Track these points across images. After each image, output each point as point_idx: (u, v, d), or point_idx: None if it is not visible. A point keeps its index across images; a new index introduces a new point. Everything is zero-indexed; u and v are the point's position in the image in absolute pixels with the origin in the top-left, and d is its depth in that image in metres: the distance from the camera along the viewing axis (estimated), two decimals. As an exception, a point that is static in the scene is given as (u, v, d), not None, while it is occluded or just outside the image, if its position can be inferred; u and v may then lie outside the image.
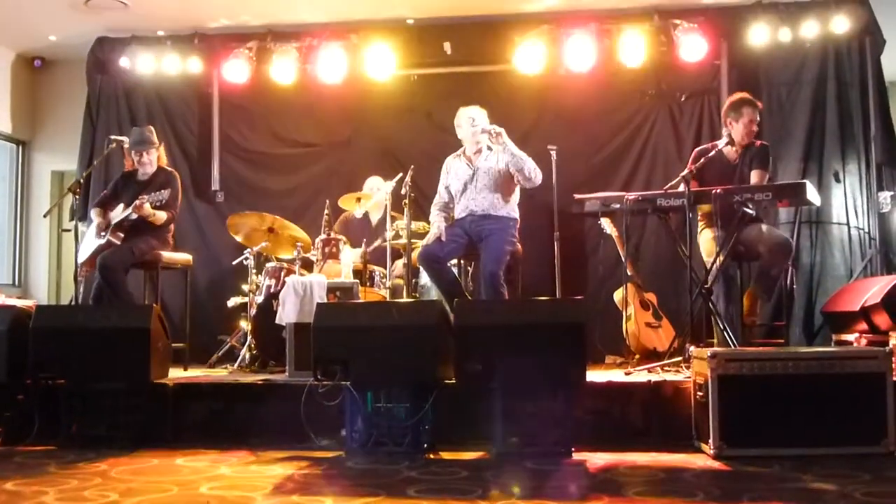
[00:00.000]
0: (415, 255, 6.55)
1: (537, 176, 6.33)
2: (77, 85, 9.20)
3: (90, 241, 6.87)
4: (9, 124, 9.54)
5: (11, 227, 9.76)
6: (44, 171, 9.88)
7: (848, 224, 7.81)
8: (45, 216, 8.29)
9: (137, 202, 6.52)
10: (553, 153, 6.70)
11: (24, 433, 5.16)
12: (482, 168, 6.43)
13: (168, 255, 6.97)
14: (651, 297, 7.09)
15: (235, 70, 8.52)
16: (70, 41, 9.05)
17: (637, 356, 6.60)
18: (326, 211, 6.95)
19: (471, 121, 6.47)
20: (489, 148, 6.46)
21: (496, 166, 6.40)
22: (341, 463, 4.65)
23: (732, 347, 5.52)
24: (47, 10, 8.35)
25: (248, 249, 7.17)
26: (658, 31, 7.95)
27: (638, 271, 7.22)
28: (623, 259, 6.85)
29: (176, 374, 6.16)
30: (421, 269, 6.56)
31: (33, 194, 9.86)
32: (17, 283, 9.65)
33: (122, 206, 6.79)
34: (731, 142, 6.21)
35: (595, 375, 5.54)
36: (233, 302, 7.42)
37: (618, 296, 7.00)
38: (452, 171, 6.63)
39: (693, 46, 7.84)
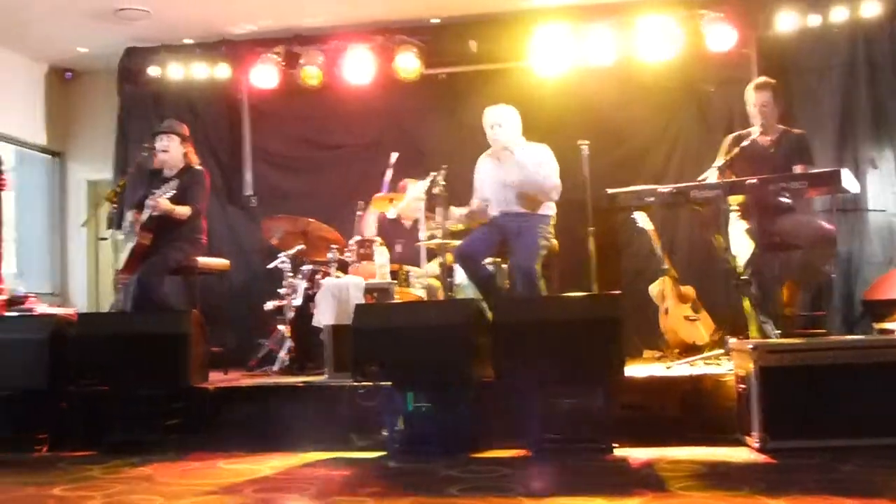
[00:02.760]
0: (449, 254, 6.53)
1: (553, 194, 6.30)
2: (108, 95, 9.29)
3: (127, 245, 6.89)
4: (44, 136, 9.63)
5: (50, 236, 9.85)
6: (79, 181, 9.96)
7: (886, 211, 7.69)
8: (82, 226, 8.36)
9: (150, 201, 6.50)
10: (584, 148, 6.66)
11: (68, 439, 5.22)
12: (516, 167, 6.36)
13: (204, 260, 6.99)
14: (689, 290, 7.00)
15: (263, 75, 8.56)
16: (100, 52, 9.11)
17: (676, 350, 6.55)
18: (359, 212, 6.94)
19: (490, 129, 6.44)
20: (521, 147, 6.42)
21: (528, 165, 6.34)
22: (382, 463, 4.66)
23: (773, 339, 5.45)
24: (76, 22, 8.40)
25: (283, 253, 7.19)
26: (684, 21, 7.86)
27: (674, 264, 7.16)
28: (658, 252, 6.80)
29: (216, 377, 6.19)
30: (456, 267, 6.54)
31: (70, 204, 9.95)
32: (56, 291, 9.74)
33: (148, 207, 6.80)
34: (763, 130, 6.13)
35: (634, 370, 5.51)
36: (270, 305, 7.43)
37: (654, 289, 6.94)
38: (484, 171, 6.61)
39: (720, 36, 7.74)
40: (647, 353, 7.03)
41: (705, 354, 5.85)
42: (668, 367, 5.71)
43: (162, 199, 6.48)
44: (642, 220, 6.85)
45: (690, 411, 5.08)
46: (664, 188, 5.97)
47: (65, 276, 9.86)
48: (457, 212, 6.61)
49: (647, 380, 5.29)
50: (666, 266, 6.84)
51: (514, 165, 6.34)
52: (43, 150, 9.78)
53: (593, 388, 4.75)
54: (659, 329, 6.83)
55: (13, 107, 9.04)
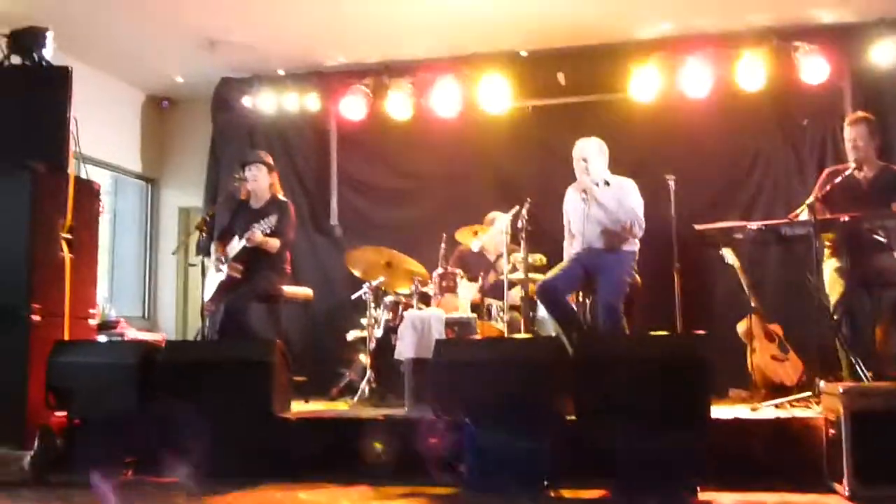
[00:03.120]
0: (532, 288, 6.49)
1: (635, 230, 6.21)
2: (202, 123, 9.54)
3: (213, 277, 7.04)
4: (139, 163, 9.90)
5: (141, 261, 10.10)
6: (171, 208, 10.21)
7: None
8: (173, 254, 8.56)
9: (248, 234, 6.65)
10: (671, 182, 6.57)
11: (154, 464, 5.30)
12: (602, 202, 6.30)
13: (289, 289, 7.09)
14: (776, 328, 6.83)
15: (352, 106, 8.66)
16: (196, 82, 9.36)
17: (763, 390, 6.38)
18: (443, 244, 6.96)
19: (581, 163, 6.40)
20: (606, 182, 6.35)
21: (615, 199, 6.27)
22: (460, 498, 4.63)
23: (865, 382, 5.28)
24: (175, 52, 8.67)
25: (367, 283, 7.24)
26: (777, 54, 7.71)
27: (761, 302, 6.99)
28: (746, 290, 6.65)
29: (298, 406, 6.24)
30: (538, 302, 6.49)
31: (161, 230, 10.20)
32: (146, 315, 9.97)
33: (236, 238, 6.94)
34: (859, 166, 5.97)
35: (720, 411, 5.38)
36: (352, 335, 7.50)
37: (741, 328, 6.79)
38: (571, 204, 6.56)
39: (814, 68, 7.56)
40: (732, 393, 6.86)
41: (793, 396, 5.68)
42: (754, 409, 5.56)
43: (258, 233, 6.63)
44: (730, 256, 6.71)
45: (777, 455, 4.92)
46: (753, 225, 5.86)
47: (154, 301, 10.09)
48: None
49: (733, 421, 5.16)
50: (753, 304, 6.69)
51: (599, 201, 6.28)
52: (138, 176, 10.05)
53: (677, 429, 4.65)
54: (745, 368, 6.66)
55: (111, 133, 9.29)
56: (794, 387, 6.29)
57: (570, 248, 6.49)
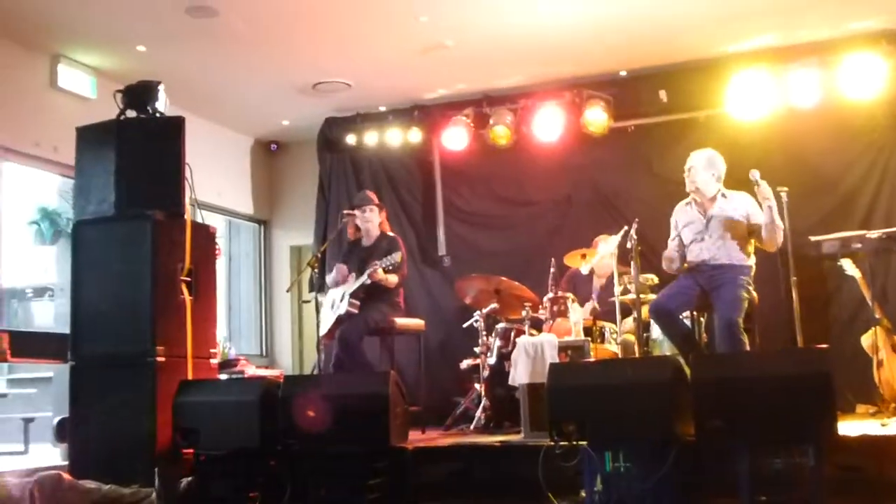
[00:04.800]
0: (645, 309, 6.41)
1: (779, 237, 6.03)
2: (309, 164, 9.79)
3: (327, 313, 7.17)
4: (251, 206, 10.20)
5: (257, 300, 10.37)
6: (283, 247, 10.47)
7: None
8: (287, 291, 8.75)
9: (370, 269, 6.78)
10: (783, 195, 6.41)
11: (278, 497, 5.39)
12: (716, 216, 6.16)
13: (402, 321, 7.17)
14: (904, 340, 6.59)
15: (454, 137, 8.76)
16: (301, 124, 9.62)
17: (892, 405, 6.15)
18: (552, 269, 6.94)
19: (688, 174, 6.26)
20: (723, 195, 6.21)
21: (731, 214, 6.13)
22: (583, 525, 4.58)
23: None
24: (280, 97, 8.92)
25: (478, 311, 7.27)
26: (889, 57, 7.47)
27: (886, 313, 6.74)
28: (869, 301, 6.43)
29: (414, 437, 6.28)
30: (652, 323, 6.41)
31: (274, 269, 10.46)
32: (264, 352, 10.21)
33: (353, 276, 7.07)
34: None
35: (847, 428, 5.19)
36: (465, 364, 7.53)
37: (866, 341, 6.56)
38: (683, 220, 6.42)
39: (932, 71, 7.32)
40: (860, 409, 6.63)
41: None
42: (883, 425, 5.36)
43: (379, 270, 6.81)
44: (850, 267, 6.51)
45: (911, 473, 4.73)
46: (873, 233, 5.68)
47: (271, 338, 10.33)
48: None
49: (861, 438, 4.97)
50: (878, 315, 6.46)
51: (718, 213, 6.14)
52: (250, 218, 10.34)
53: (803, 448, 4.51)
54: (873, 382, 6.44)
55: (224, 179, 9.63)
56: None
57: (672, 265, 6.36)
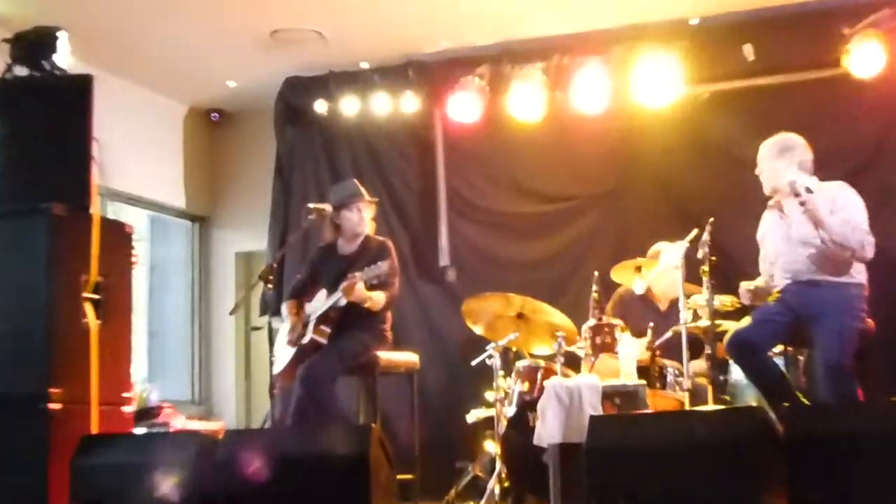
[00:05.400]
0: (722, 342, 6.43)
1: (866, 250, 6.04)
2: (263, 141, 9.82)
3: (283, 342, 7.17)
4: (183, 197, 10.23)
5: (189, 325, 10.38)
6: (226, 253, 10.52)
7: None
8: (231, 314, 8.75)
9: (346, 282, 6.74)
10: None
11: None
12: (798, 217, 6.21)
13: (387, 356, 7.18)
14: None
15: (463, 105, 8.74)
16: (253, 87, 9.65)
17: None
18: (595, 287, 6.94)
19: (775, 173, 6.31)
20: (808, 190, 6.20)
21: (821, 214, 6.14)
22: None
23: None
24: (225, 49, 8.93)
25: (492, 344, 7.26)
26: None
27: None
28: None
29: (405, 515, 6.30)
30: (731, 361, 6.43)
31: (215, 282, 10.49)
32: (197, 398, 10.19)
33: (323, 292, 7.05)
34: None
35: None
36: (474, 416, 7.53)
37: None
38: (766, 225, 6.46)
39: None
40: None
41: None
42: None
43: (360, 285, 6.72)
44: None
45: None
46: None
47: (208, 378, 10.34)
48: (744, 287, 6.45)
49: None
50: None
51: (801, 215, 6.14)
52: (181, 213, 10.37)
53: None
54: None
55: (146, 160, 9.60)
56: None
57: (754, 299, 6.38)
